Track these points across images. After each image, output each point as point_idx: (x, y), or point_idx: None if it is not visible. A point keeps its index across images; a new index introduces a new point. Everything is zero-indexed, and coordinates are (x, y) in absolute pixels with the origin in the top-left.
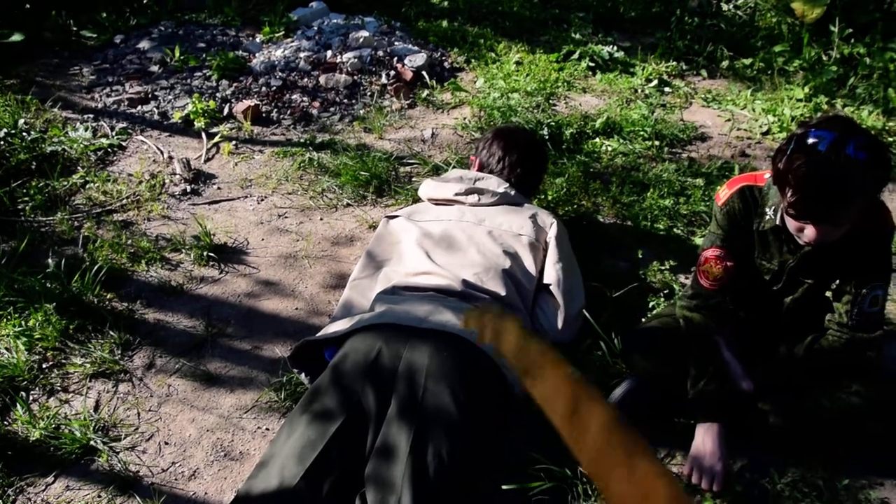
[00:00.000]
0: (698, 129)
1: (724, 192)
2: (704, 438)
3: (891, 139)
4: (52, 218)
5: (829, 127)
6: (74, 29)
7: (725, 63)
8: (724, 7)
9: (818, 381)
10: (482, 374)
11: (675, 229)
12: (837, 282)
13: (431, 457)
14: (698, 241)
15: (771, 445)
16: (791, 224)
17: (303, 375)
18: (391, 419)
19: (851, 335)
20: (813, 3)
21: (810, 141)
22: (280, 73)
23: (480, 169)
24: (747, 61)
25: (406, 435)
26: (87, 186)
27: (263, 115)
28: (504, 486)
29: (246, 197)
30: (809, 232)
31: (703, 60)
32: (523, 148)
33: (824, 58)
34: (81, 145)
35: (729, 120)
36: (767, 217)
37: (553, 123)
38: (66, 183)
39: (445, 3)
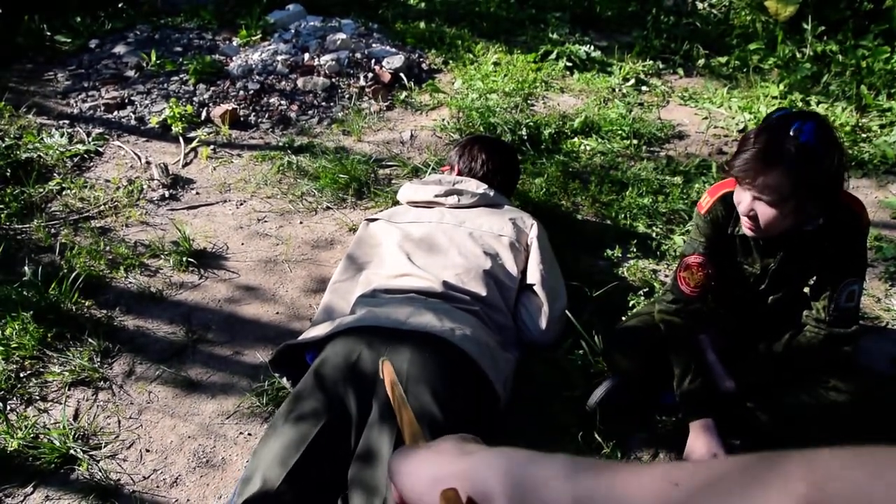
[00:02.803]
0: (676, 127)
1: (706, 201)
2: (696, 436)
3: (864, 135)
4: (28, 225)
5: (795, 112)
6: (48, 34)
7: (701, 61)
8: (700, 5)
9: (797, 377)
10: (463, 375)
11: (654, 228)
12: (815, 278)
13: None
14: (677, 238)
15: (752, 441)
16: (737, 196)
17: (284, 380)
18: (373, 422)
19: (829, 331)
20: (786, 2)
21: (772, 118)
22: (257, 77)
23: (459, 175)
24: (723, 59)
25: (388, 437)
26: (64, 193)
27: (241, 118)
28: None
29: (225, 201)
30: (745, 204)
31: (679, 59)
32: (501, 151)
33: (798, 55)
34: (57, 151)
35: (706, 118)
36: None
37: (531, 123)
38: (42, 190)
39: (423, 5)
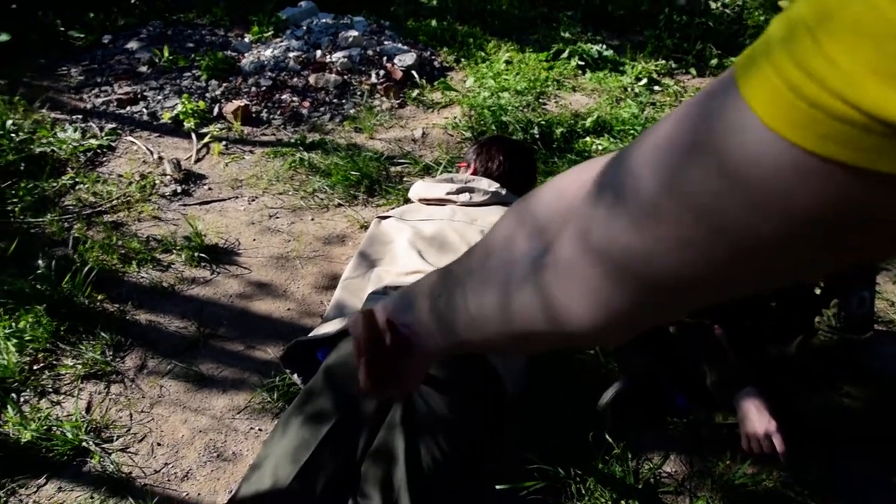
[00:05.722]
0: None
1: None
2: (746, 407)
3: None
4: (41, 219)
5: None
6: (62, 29)
7: (714, 61)
8: (713, 5)
9: (810, 381)
10: (473, 372)
11: None
12: (822, 285)
13: (427, 458)
14: None
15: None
16: None
17: (295, 376)
18: (391, 424)
19: (842, 336)
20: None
21: None
22: (269, 73)
23: (475, 174)
24: (736, 59)
25: (401, 436)
26: (77, 187)
27: (253, 115)
28: (498, 486)
29: (237, 197)
30: None
31: (691, 59)
32: (520, 153)
33: None
34: (70, 146)
35: None
36: None
37: (543, 122)
38: (55, 184)
39: (434, 2)
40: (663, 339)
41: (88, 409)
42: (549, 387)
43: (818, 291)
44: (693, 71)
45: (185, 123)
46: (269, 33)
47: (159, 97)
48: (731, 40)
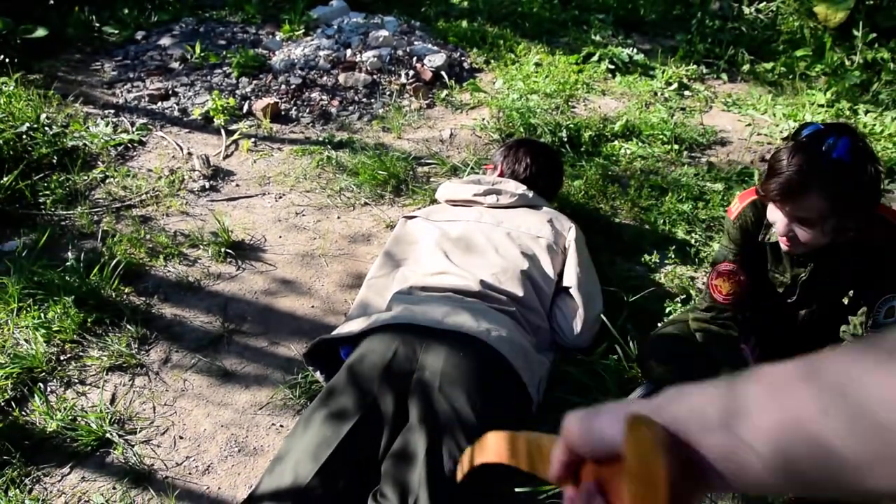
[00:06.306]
0: (718, 133)
1: (735, 206)
2: None
3: None
4: (72, 212)
5: (825, 126)
6: (96, 25)
7: (746, 67)
8: (746, 10)
9: None
10: (498, 377)
11: (693, 234)
12: (851, 293)
13: (447, 459)
14: (716, 246)
15: None
16: (771, 216)
17: (318, 373)
18: (412, 426)
19: None
20: (836, 7)
21: (802, 134)
22: (299, 71)
23: (501, 176)
24: (768, 65)
25: (423, 437)
26: (107, 181)
27: (283, 112)
28: (517, 489)
29: (264, 194)
30: (782, 224)
31: (723, 64)
32: (546, 156)
33: (847, 63)
34: (102, 140)
35: (749, 125)
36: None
37: (572, 125)
38: (86, 177)
39: (465, 4)
40: (686, 347)
41: (113, 400)
42: (570, 391)
43: (846, 301)
44: (724, 76)
45: (214, 120)
46: (300, 32)
47: (190, 93)
48: (763, 46)
